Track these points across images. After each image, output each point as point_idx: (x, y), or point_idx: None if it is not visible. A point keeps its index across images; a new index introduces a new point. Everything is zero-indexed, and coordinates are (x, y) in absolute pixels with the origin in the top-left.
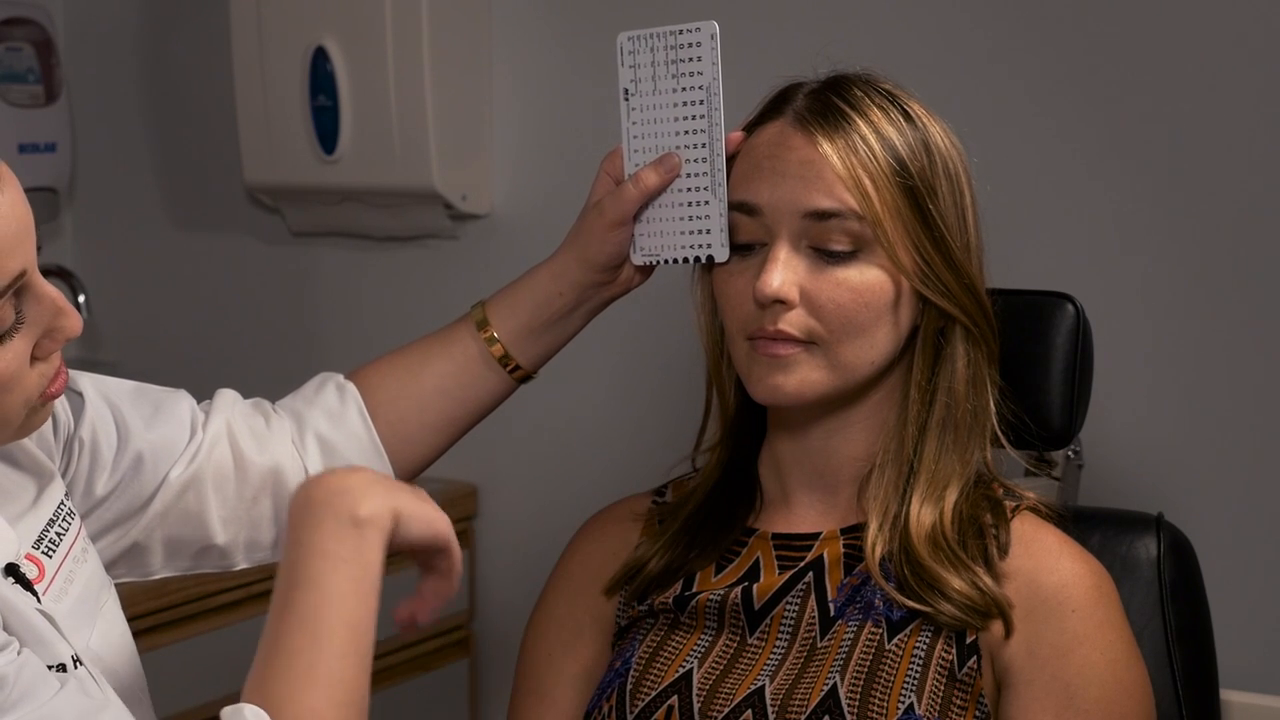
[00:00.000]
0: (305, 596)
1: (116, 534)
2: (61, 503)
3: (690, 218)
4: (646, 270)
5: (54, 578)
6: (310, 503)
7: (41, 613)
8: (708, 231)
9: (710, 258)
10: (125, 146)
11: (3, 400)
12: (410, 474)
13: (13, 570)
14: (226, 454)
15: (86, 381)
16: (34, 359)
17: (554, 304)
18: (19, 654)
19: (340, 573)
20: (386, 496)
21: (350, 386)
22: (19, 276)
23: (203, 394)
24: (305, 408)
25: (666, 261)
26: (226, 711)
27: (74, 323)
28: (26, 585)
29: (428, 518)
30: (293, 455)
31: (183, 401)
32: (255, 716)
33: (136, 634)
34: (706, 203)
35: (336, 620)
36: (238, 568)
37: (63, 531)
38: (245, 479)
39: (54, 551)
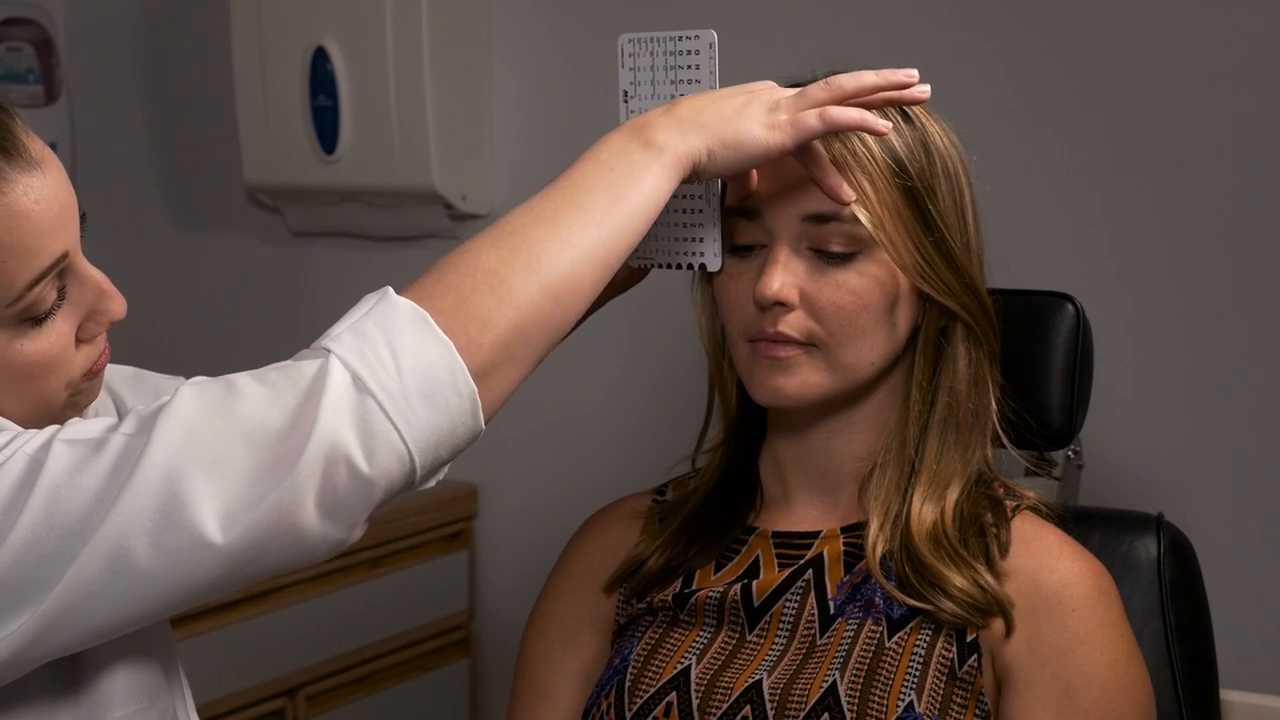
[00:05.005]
0: (552, 191)
1: None
2: None
3: (684, 225)
4: (641, 272)
5: None
6: (624, 125)
7: None
8: (701, 240)
9: (703, 266)
10: (125, 146)
11: (45, 381)
12: None
13: None
14: None
15: None
16: (78, 341)
17: None
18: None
19: (600, 178)
20: (699, 134)
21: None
22: (61, 258)
23: None
24: None
25: (660, 266)
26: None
27: (118, 305)
28: None
29: (742, 147)
30: None
31: None
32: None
33: None
34: (700, 211)
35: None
36: None
37: None
38: None
39: None
